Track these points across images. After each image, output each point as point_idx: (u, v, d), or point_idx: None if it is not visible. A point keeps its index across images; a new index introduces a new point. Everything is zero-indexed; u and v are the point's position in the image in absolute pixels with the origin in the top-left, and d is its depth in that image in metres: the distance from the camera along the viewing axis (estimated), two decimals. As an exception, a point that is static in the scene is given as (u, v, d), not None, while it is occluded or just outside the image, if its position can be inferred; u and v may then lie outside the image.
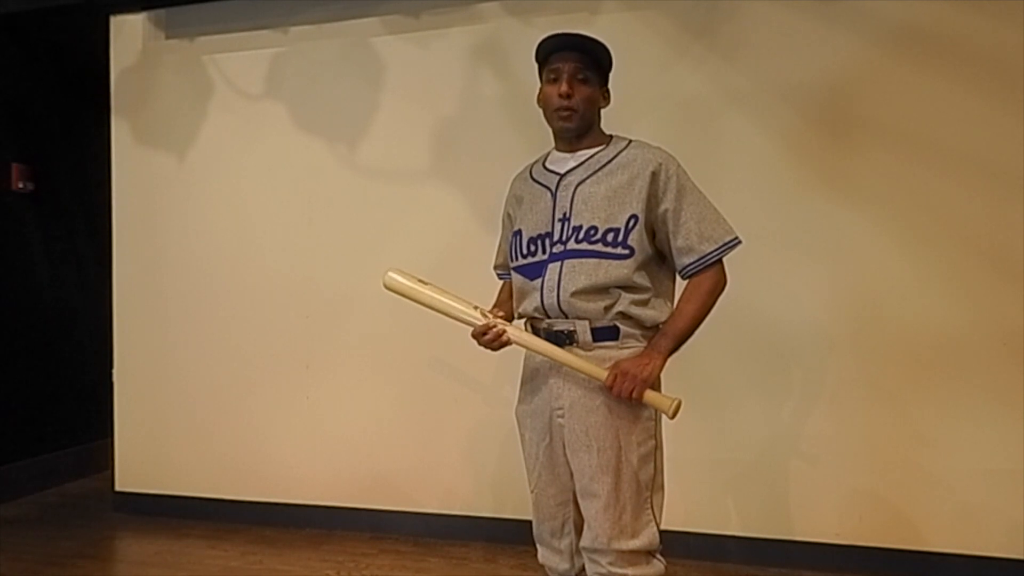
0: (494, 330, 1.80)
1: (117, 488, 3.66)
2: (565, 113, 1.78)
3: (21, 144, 3.94)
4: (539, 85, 1.86)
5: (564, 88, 1.76)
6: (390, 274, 1.91)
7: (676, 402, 1.72)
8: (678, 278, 1.83)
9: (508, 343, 1.82)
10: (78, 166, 4.24)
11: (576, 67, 1.77)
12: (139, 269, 3.62)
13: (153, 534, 3.36)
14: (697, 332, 1.77)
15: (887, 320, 2.79)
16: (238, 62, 3.47)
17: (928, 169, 2.75)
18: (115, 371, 3.66)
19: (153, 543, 3.26)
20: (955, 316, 2.74)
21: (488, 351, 1.86)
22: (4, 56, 3.87)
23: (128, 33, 3.61)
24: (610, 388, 1.70)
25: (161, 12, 3.55)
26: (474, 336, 1.84)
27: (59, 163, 4.16)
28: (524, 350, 1.87)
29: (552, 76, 1.80)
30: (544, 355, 1.79)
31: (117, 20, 3.62)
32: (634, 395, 1.69)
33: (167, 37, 3.56)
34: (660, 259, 1.80)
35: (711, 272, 1.77)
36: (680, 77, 2.96)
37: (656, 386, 1.75)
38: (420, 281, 1.91)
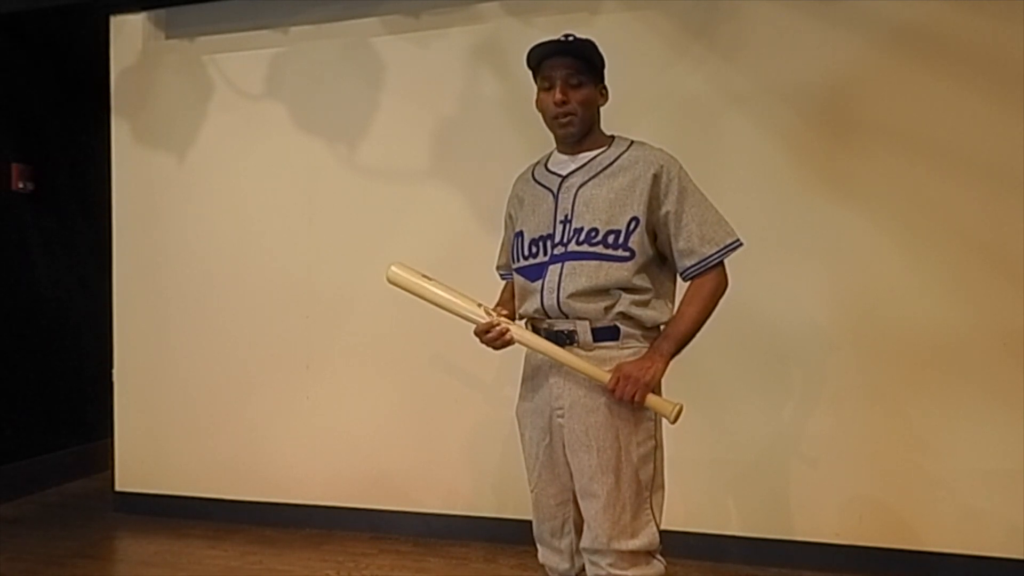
0: (497, 328, 1.79)
1: (117, 488, 3.66)
2: (564, 119, 1.78)
3: (21, 144, 3.94)
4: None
5: (558, 96, 1.76)
6: (393, 268, 1.90)
7: (678, 407, 1.72)
8: (679, 279, 1.83)
9: (511, 342, 1.81)
10: (78, 166, 4.24)
11: (568, 73, 1.76)
12: (139, 269, 3.61)
13: (153, 534, 3.36)
14: (698, 333, 1.77)
15: (887, 320, 2.79)
16: (238, 62, 3.46)
17: (928, 169, 2.75)
18: (115, 371, 3.65)
19: (153, 543, 3.26)
20: (955, 316, 2.74)
21: (490, 350, 1.85)
22: (4, 56, 3.87)
23: (128, 33, 3.61)
24: (612, 391, 1.70)
25: (161, 12, 3.55)
26: (477, 334, 1.83)
27: (59, 163, 4.16)
28: (525, 348, 1.86)
29: (546, 84, 1.79)
30: (547, 355, 1.78)
31: (117, 20, 3.62)
32: (636, 399, 1.69)
33: (167, 37, 3.56)
34: (661, 260, 1.80)
35: (712, 274, 1.77)
36: (680, 77, 2.96)
37: (657, 388, 1.75)
38: (424, 276, 1.89)
